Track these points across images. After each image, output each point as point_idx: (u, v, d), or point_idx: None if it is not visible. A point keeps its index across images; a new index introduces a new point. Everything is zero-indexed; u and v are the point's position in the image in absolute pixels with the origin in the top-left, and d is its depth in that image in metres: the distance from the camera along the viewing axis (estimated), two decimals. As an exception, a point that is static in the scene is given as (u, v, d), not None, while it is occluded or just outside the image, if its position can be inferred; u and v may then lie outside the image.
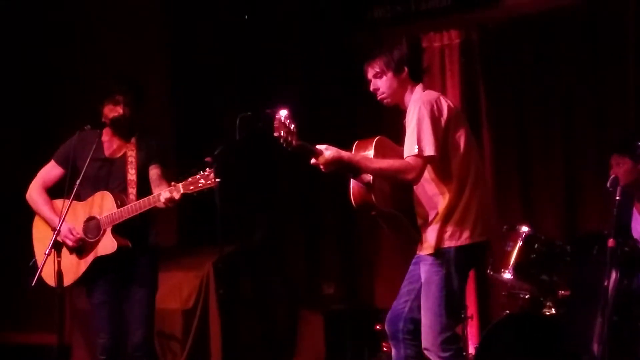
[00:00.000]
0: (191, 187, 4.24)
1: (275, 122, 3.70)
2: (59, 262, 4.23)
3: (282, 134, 3.70)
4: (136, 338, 4.48)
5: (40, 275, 4.24)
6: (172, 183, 4.31)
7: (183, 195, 4.26)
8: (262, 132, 4.00)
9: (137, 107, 4.55)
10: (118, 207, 4.41)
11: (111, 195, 4.44)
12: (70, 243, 4.42)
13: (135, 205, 4.38)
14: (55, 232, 4.25)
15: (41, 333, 6.26)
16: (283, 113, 3.70)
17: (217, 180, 4.19)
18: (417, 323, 4.07)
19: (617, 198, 4.28)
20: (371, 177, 3.90)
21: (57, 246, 4.25)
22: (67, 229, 4.42)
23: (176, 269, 6.05)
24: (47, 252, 4.21)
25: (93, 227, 4.44)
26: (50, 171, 4.62)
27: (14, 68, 7.04)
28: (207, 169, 4.20)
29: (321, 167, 3.86)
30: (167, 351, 6.05)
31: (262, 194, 6.93)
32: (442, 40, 6.57)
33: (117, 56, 6.87)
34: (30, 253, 4.61)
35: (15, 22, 7.06)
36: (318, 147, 3.84)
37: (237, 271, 6.32)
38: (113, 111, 4.51)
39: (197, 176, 4.22)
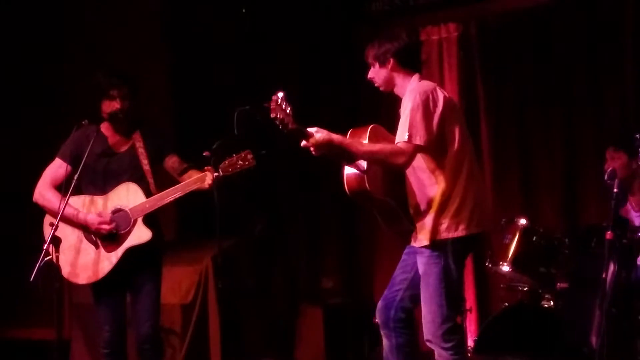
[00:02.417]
0: (230, 169, 4.31)
1: (272, 104, 3.70)
2: (57, 257, 4.21)
3: (278, 116, 3.71)
4: (144, 330, 4.48)
5: (38, 272, 4.22)
6: (205, 167, 4.35)
7: (223, 178, 4.32)
8: (261, 126, 4.01)
9: (134, 98, 4.55)
10: (146, 197, 4.42)
11: (138, 186, 4.45)
12: (106, 227, 4.41)
13: (169, 192, 4.42)
14: (54, 228, 4.22)
15: (40, 328, 6.27)
16: (280, 95, 3.71)
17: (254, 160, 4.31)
18: (408, 312, 4.11)
19: (615, 190, 4.28)
20: (365, 164, 3.91)
21: (55, 241, 4.23)
22: (96, 218, 4.42)
23: (175, 263, 6.04)
24: (44, 247, 4.19)
25: (120, 218, 4.44)
26: (58, 169, 4.57)
27: (13, 67, 7.04)
28: (243, 152, 4.30)
29: (311, 149, 3.87)
30: (167, 346, 6.03)
31: (261, 187, 6.93)
32: (440, 34, 6.56)
33: (115, 52, 6.85)
34: (34, 249, 4.57)
35: (14, 21, 7.05)
36: (309, 129, 3.86)
37: (237, 265, 6.32)
38: (110, 106, 4.50)
39: (234, 158, 4.31)
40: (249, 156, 4.31)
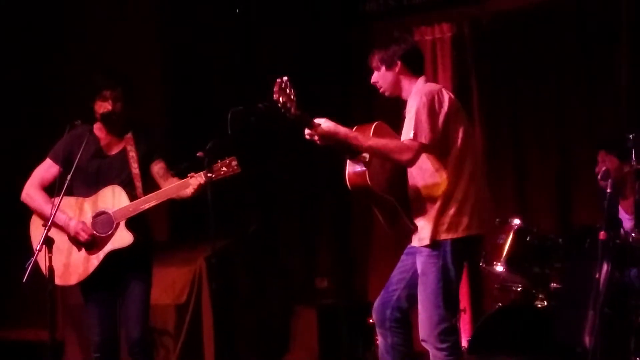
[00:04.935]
0: (214, 176, 4.29)
1: (275, 87, 3.68)
2: (50, 258, 4.20)
3: (281, 99, 3.69)
4: (134, 334, 4.46)
5: (31, 272, 4.21)
6: (191, 173, 4.33)
7: (207, 182, 4.28)
8: (255, 126, 4.00)
9: (127, 100, 4.53)
10: (130, 200, 4.41)
11: (123, 189, 4.43)
12: (85, 236, 4.40)
13: (153, 196, 4.40)
14: (46, 229, 4.20)
15: (34, 329, 6.26)
16: (285, 78, 3.70)
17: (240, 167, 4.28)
18: (404, 312, 4.11)
19: (609, 191, 4.29)
20: (368, 158, 3.90)
21: (48, 242, 4.22)
22: (79, 224, 4.41)
23: (169, 264, 6.04)
24: (37, 249, 4.17)
25: (103, 221, 4.42)
26: (48, 169, 4.55)
27: (13, 67, 7.02)
28: (227, 158, 4.28)
29: (316, 139, 3.85)
30: (160, 347, 6.05)
31: (255, 188, 6.92)
32: (434, 34, 6.58)
33: (114, 52, 6.84)
34: (26, 250, 4.56)
35: (14, 21, 7.04)
36: (316, 120, 3.84)
37: (231, 266, 6.32)
38: (102, 107, 4.49)
39: (218, 164, 4.29)
40: (234, 163, 4.29)
